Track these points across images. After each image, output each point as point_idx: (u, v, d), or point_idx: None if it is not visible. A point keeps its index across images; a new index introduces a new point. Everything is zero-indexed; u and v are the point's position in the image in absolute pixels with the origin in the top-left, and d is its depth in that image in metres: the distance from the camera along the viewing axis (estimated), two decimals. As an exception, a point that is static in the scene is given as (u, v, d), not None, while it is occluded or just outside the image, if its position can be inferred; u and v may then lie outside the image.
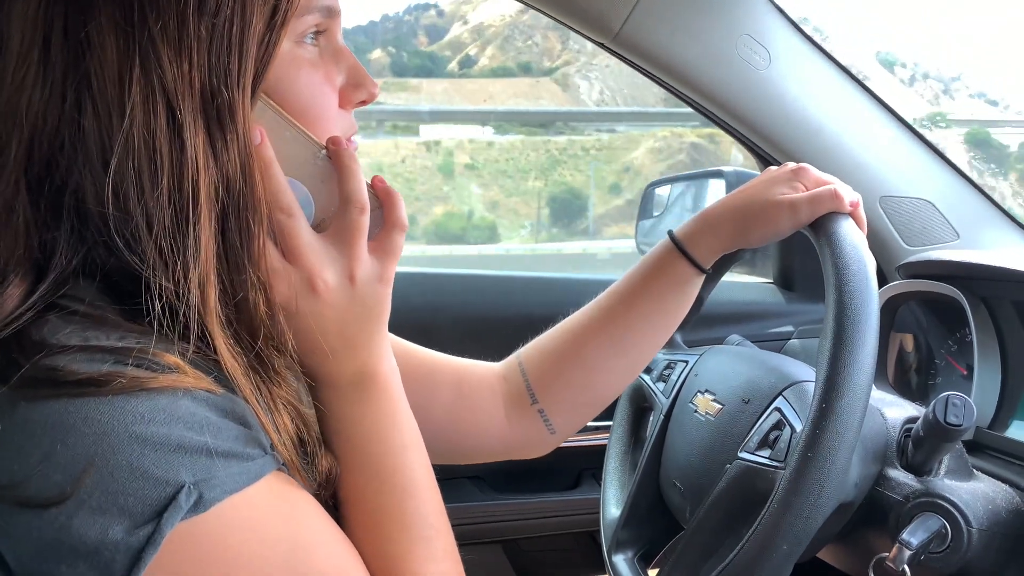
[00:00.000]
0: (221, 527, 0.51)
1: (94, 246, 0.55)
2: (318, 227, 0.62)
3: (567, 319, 0.94)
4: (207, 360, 0.55)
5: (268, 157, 0.58)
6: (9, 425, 0.50)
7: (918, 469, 0.85)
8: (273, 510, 0.54)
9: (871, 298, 0.75)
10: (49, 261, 0.55)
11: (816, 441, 0.71)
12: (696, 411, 0.97)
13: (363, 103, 0.66)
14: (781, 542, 0.72)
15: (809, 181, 0.86)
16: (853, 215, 0.84)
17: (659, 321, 0.90)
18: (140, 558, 0.48)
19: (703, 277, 0.90)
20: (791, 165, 0.88)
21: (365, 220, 0.61)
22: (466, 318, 1.46)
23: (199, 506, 0.50)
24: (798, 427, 0.82)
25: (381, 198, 0.63)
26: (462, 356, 0.96)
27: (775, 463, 0.81)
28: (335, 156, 0.61)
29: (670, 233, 0.90)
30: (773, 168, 0.90)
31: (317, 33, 0.62)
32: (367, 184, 0.62)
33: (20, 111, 0.55)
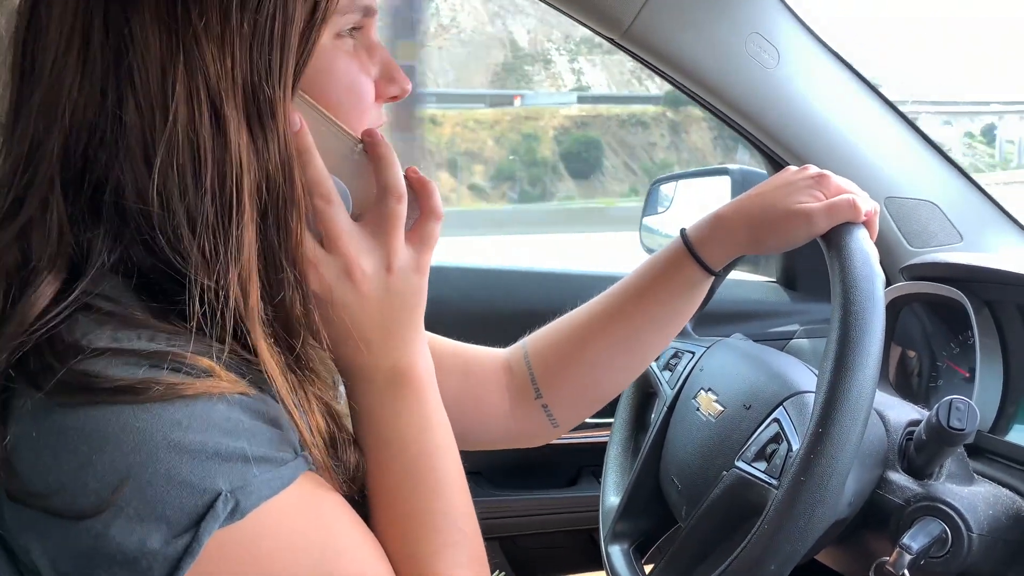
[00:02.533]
0: (255, 534, 0.51)
1: (131, 244, 0.55)
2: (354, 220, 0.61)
3: (573, 312, 0.93)
4: (239, 361, 0.55)
5: (307, 144, 0.58)
6: (45, 432, 0.50)
7: (919, 473, 0.85)
8: (304, 514, 0.54)
9: (876, 321, 0.74)
10: (85, 259, 0.55)
11: (810, 466, 0.72)
12: (698, 409, 0.97)
13: (395, 98, 0.65)
14: (769, 562, 0.73)
15: (830, 190, 0.84)
16: (867, 224, 0.82)
17: (666, 321, 0.90)
18: (178, 567, 0.49)
19: (712, 279, 0.89)
20: (812, 171, 0.86)
21: (403, 209, 0.61)
22: (470, 311, 1.45)
23: (235, 514, 0.50)
24: (795, 444, 0.82)
25: (416, 188, 0.63)
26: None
27: (770, 479, 0.81)
28: (371, 147, 0.61)
29: (682, 233, 0.89)
30: (792, 169, 0.88)
31: (353, 29, 0.62)
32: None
33: (59, 105, 0.54)
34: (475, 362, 0.92)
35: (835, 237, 0.81)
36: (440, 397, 0.66)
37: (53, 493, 0.49)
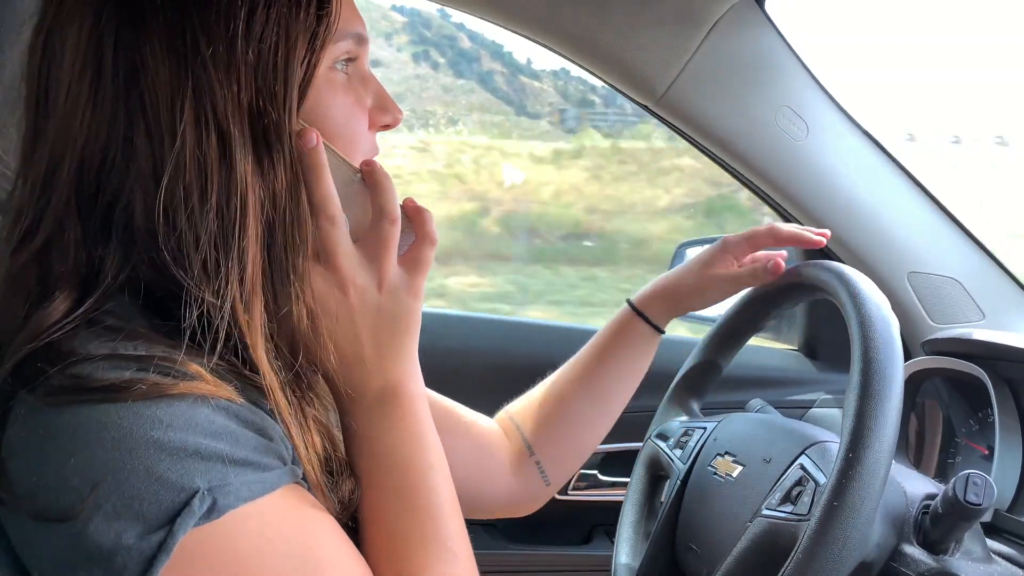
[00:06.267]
0: (233, 535, 0.51)
1: (139, 263, 0.57)
2: None
3: (551, 376, 1.03)
4: (232, 372, 0.57)
5: (320, 163, 0.60)
6: (32, 432, 0.51)
7: (934, 547, 0.83)
8: (286, 522, 0.54)
9: (895, 354, 0.76)
10: (96, 277, 0.57)
11: (843, 491, 0.71)
12: (715, 473, 0.96)
13: (387, 127, 0.68)
14: None
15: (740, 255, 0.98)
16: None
17: (626, 373, 1.02)
18: (152, 564, 0.49)
19: (660, 337, 1.02)
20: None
21: (396, 231, 0.63)
22: (495, 363, 1.47)
23: (212, 513, 0.50)
24: (822, 481, 0.81)
25: (411, 215, 0.66)
26: (488, 398, 1.00)
27: (798, 516, 0.79)
28: (369, 175, 0.63)
29: (628, 300, 1.03)
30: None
31: (348, 61, 0.65)
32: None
33: (73, 131, 0.57)
34: (479, 428, 0.97)
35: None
36: (432, 419, 0.67)
37: (39, 494, 0.50)
